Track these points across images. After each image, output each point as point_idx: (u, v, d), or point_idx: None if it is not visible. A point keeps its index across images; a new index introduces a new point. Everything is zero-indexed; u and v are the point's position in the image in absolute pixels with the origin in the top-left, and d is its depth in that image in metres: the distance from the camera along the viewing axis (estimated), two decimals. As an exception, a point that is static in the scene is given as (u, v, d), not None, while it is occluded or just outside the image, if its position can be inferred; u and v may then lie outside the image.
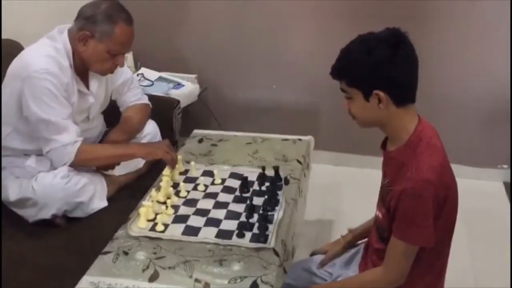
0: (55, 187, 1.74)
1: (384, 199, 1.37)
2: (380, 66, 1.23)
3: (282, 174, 1.85)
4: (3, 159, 1.85)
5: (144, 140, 2.11)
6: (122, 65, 1.85)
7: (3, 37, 2.15)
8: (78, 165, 1.79)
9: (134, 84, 2.13)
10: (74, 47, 1.77)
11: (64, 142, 1.74)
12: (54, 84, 1.71)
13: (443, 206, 1.28)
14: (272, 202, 1.70)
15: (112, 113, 2.12)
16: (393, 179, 1.33)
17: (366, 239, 1.60)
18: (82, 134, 1.94)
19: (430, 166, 1.24)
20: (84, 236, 1.72)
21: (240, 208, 1.69)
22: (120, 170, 1.97)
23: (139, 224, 1.61)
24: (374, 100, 1.27)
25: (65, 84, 1.75)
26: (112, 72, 1.87)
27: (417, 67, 1.29)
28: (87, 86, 1.90)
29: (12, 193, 1.80)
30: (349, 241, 1.66)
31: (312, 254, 1.77)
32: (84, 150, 1.78)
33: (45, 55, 1.73)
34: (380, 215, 1.40)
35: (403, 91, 1.29)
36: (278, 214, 1.66)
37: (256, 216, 1.63)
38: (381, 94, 1.25)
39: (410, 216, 1.26)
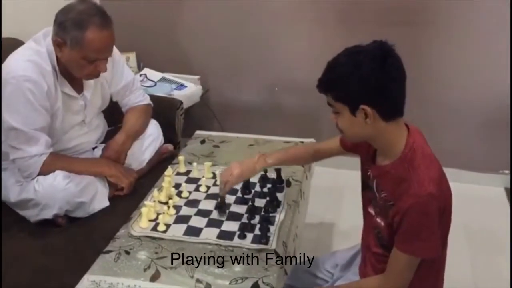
0: (57, 187, 1.73)
1: (383, 213, 1.35)
2: (366, 81, 1.20)
3: (284, 176, 1.86)
4: (5, 160, 1.85)
5: (147, 141, 2.10)
6: (104, 71, 1.77)
7: (6, 35, 2.15)
8: (40, 174, 1.75)
9: (135, 86, 2.12)
10: (55, 51, 1.74)
11: (31, 154, 1.71)
12: (32, 91, 1.67)
13: (443, 215, 1.28)
14: (273, 204, 1.70)
15: (114, 112, 2.12)
16: (392, 194, 1.31)
17: (361, 242, 1.59)
18: (81, 137, 1.94)
19: (430, 179, 1.23)
20: (85, 235, 1.72)
21: (241, 209, 1.69)
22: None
23: (141, 224, 1.61)
24: (361, 115, 1.24)
25: (45, 91, 1.71)
26: (96, 77, 1.82)
27: (405, 81, 1.26)
28: (79, 88, 1.87)
29: (13, 194, 1.80)
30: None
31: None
32: (50, 163, 1.74)
33: (27, 60, 1.69)
34: (382, 223, 1.37)
35: (390, 105, 1.25)
36: (279, 216, 1.66)
37: (257, 217, 1.63)
38: (368, 109, 1.22)
39: (416, 231, 1.25)
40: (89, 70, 1.75)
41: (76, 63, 1.72)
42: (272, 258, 1.47)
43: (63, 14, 1.69)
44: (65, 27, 1.67)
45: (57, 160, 1.78)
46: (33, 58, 1.71)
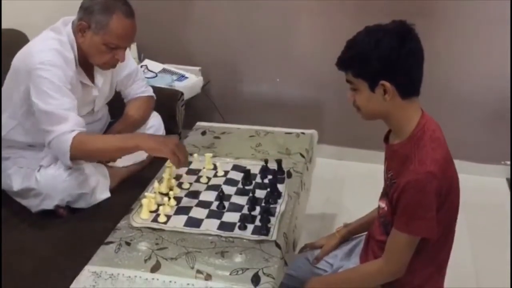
0: (58, 178, 1.73)
1: (388, 192, 1.37)
2: (387, 57, 1.24)
3: (284, 167, 1.86)
4: (8, 149, 1.86)
5: (148, 133, 2.10)
6: (122, 60, 1.80)
7: (8, 26, 2.15)
8: (78, 156, 1.70)
9: (139, 76, 2.12)
10: (76, 38, 1.76)
11: (61, 131, 1.67)
12: (59, 75, 1.69)
13: (445, 199, 1.29)
14: (274, 195, 1.70)
15: (116, 104, 2.12)
16: (396, 172, 1.34)
17: (364, 233, 1.61)
18: (87, 126, 1.93)
19: (433, 159, 1.25)
20: (86, 226, 1.72)
21: (242, 200, 1.69)
22: (123, 162, 1.97)
23: (142, 215, 1.61)
24: (380, 91, 1.27)
25: (70, 76, 1.74)
26: (113, 67, 1.84)
27: (423, 60, 1.29)
28: (92, 79, 1.89)
29: (15, 182, 1.80)
30: (344, 236, 1.66)
31: (304, 247, 1.76)
32: (83, 140, 1.68)
33: (50, 49, 1.71)
34: (385, 208, 1.40)
35: (409, 83, 1.29)
36: (280, 207, 1.66)
37: (258, 208, 1.63)
38: (387, 84, 1.26)
39: (413, 208, 1.27)
40: (107, 58, 1.77)
41: (96, 48, 1.74)
42: (273, 249, 1.47)
43: (90, 0, 1.72)
44: (92, 11, 1.70)
45: (89, 137, 1.74)
46: (57, 47, 1.72)
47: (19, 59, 1.76)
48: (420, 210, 1.26)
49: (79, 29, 1.74)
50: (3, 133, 1.84)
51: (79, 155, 1.71)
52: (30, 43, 1.80)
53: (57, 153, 1.72)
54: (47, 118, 1.69)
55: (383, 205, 1.43)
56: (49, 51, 1.71)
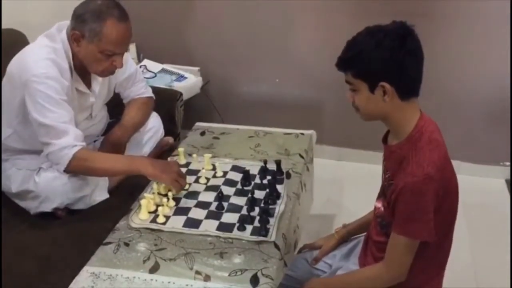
0: (58, 181, 1.73)
1: (385, 193, 1.37)
2: (387, 58, 1.23)
3: (284, 168, 1.85)
4: (6, 152, 1.85)
5: (148, 134, 2.10)
6: (120, 66, 1.77)
7: (8, 26, 2.14)
8: (76, 171, 1.71)
9: (138, 77, 2.10)
10: (71, 47, 1.73)
11: (61, 145, 1.67)
12: (54, 87, 1.67)
13: (444, 200, 1.28)
14: (273, 195, 1.70)
15: (116, 104, 2.11)
16: (394, 173, 1.34)
17: (363, 233, 1.60)
18: (86, 130, 1.92)
19: (430, 161, 1.24)
20: (85, 227, 1.72)
21: (241, 201, 1.69)
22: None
23: (141, 216, 1.61)
24: (379, 92, 1.27)
25: (66, 87, 1.71)
26: (112, 73, 1.81)
27: (423, 61, 1.29)
28: (89, 85, 1.87)
29: (14, 184, 1.80)
30: (343, 237, 1.66)
31: (303, 248, 1.76)
32: (85, 157, 1.69)
33: (44, 58, 1.68)
34: (382, 208, 1.40)
35: (409, 84, 1.29)
36: (279, 207, 1.66)
37: (257, 209, 1.63)
38: (387, 86, 1.26)
39: (411, 211, 1.26)
40: (105, 66, 1.74)
41: (93, 57, 1.71)
42: (272, 250, 1.46)
43: (82, 8, 1.69)
44: (84, 19, 1.67)
45: (91, 155, 1.73)
46: (51, 56, 1.69)
47: (14, 66, 1.73)
48: (418, 213, 1.26)
49: (73, 39, 1.70)
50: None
51: (77, 170, 1.71)
52: (25, 51, 1.76)
53: (54, 164, 1.72)
54: (46, 131, 1.68)
55: (379, 205, 1.43)
56: (43, 61, 1.68)
